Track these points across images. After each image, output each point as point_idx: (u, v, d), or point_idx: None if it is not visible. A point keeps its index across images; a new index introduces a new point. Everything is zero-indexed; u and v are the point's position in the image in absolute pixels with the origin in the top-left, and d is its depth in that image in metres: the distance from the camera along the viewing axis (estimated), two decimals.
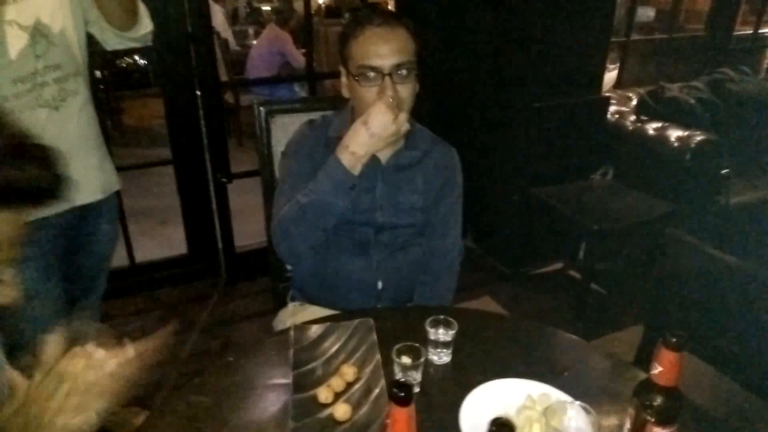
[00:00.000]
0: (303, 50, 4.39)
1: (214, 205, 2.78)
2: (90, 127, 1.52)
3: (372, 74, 1.30)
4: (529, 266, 3.13)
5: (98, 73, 5.12)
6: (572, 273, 3.11)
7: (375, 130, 1.28)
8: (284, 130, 1.71)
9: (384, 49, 1.29)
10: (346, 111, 1.49)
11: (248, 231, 2.90)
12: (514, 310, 2.78)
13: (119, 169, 2.76)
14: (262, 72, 4.81)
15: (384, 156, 1.45)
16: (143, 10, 1.53)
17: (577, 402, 0.86)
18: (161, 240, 3.24)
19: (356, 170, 1.32)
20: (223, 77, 5.16)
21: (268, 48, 4.89)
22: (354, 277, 1.48)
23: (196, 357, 2.42)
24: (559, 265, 3.18)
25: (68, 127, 1.42)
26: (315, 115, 1.76)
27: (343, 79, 1.41)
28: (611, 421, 1.01)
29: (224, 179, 2.67)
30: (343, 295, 1.50)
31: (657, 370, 0.83)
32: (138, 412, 2.02)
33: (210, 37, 2.58)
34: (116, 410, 1.96)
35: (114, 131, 5.63)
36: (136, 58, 6.34)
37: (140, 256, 2.85)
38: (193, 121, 2.60)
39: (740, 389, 1.46)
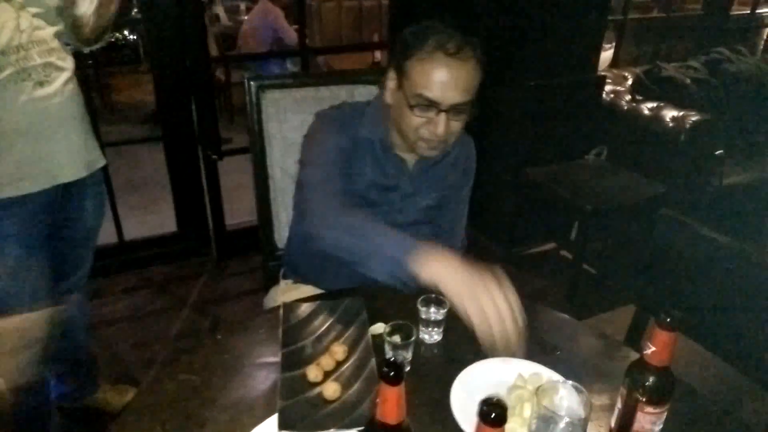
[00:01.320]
0: (296, 26, 4.32)
1: (204, 183, 2.74)
2: (74, 104, 1.48)
3: (427, 105, 1.20)
4: (522, 246, 3.13)
5: (87, 49, 5.03)
6: (565, 253, 3.12)
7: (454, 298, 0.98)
8: (275, 105, 1.67)
9: (449, 87, 1.18)
10: (378, 108, 1.36)
11: (239, 209, 2.88)
12: None
13: (108, 144, 2.75)
14: (253, 48, 4.74)
15: (412, 159, 1.39)
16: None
17: (569, 381, 0.85)
18: (151, 217, 3.21)
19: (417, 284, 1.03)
20: (214, 53, 5.09)
21: (260, 23, 4.80)
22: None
23: (186, 335, 2.41)
24: (551, 246, 3.18)
25: (52, 103, 1.39)
26: (308, 92, 1.74)
27: (391, 83, 1.27)
28: (603, 400, 1.01)
29: (214, 156, 2.63)
30: (340, 279, 1.48)
31: (650, 350, 0.82)
32: (126, 390, 2.02)
33: (200, 11, 2.52)
34: (105, 388, 1.97)
35: (104, 108, 5.56)
36: (126, 33, 6.22)
37: (130, 234, 2.83)
38: (182, 97, 2.55)
39: (730, 368, 1.46)
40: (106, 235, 2.74)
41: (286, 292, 1.58)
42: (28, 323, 0.86)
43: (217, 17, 5.74)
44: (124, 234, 2.78)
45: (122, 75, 6.31)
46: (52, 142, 1.41)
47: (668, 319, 0.79)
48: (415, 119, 1.23)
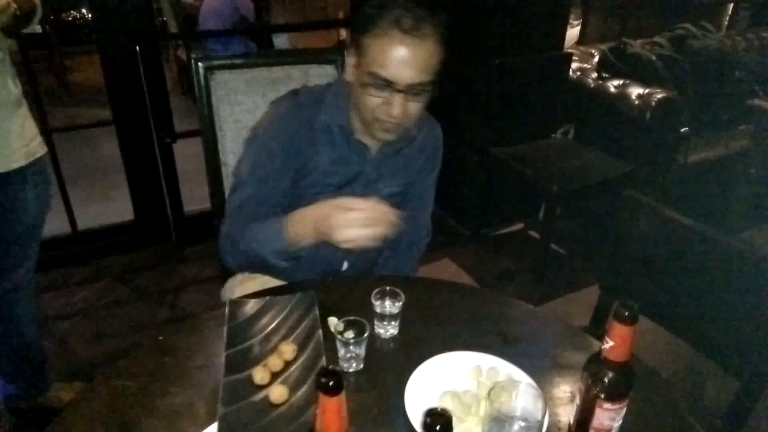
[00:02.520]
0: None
1: (160, 168, 2.63)
2: (8, 90, 1.39)
3: (383, 85, 1.13)
4: (490, 227, 3.11)
5: (39, 28, 4.79)
6: (533, 233, 3.10)
7: (324, 237, 1.12)
8: (225, 87, 1.59)
9: (404, 66, 1.11)
10: (340, 91, 1.28)
11: (198, 194, 2.78)
12: (474, 272, 2.76)
13: (56, 130, 2.62)
14: (214, 26, 4.56)
15: (375, 146, 1.32)
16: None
17: (525, 380, 0.81)
18: (107, 205, 3.09)
19: (304, 249, 1.19)
20: (174, 31, 4.91)
21: (222, 1, 4.62)
22: (319, 258, 1.35)
23: (143, 327, 2.32)
24: (520, 226, 3.16)
25: None
26: (260, 72, 1.65)
27: (351, 61, 1.20)
28: (563, 393, 0.98)
29: (168, 139, 2.52)
30: (303, 275, 1.40)
31: (608, 345, 0.78)
32: (80, 387, 1.94)
33: None
34: (58, 386, 1.89)
35: (60, 89, 5.34)
36: (84, 11, 5.95)
37: (85, 223, 2.71)
38: (132, 78, 2.43)
39: (691, 350, 1.45)
40: (60, 225, 2.64)
41: (243, 282, 1.51)
42: None
43: None
44: (78, 224, 2.66)
45: (79, 55, 6.06)
46: None
47: (626, 312, 0.75)
48: (371, 99, 1.16)
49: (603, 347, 0.79)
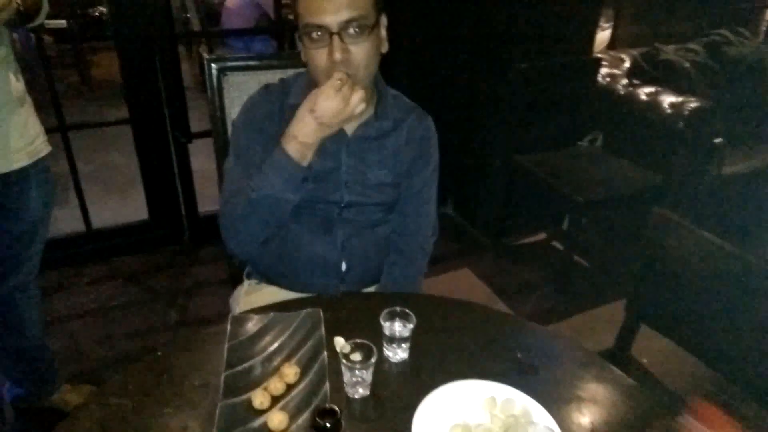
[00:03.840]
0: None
1: (175, 167, 2.60)
2: (10, 87, 1.35)
3: (318, 34, 1.10)
4: (512, 236, 3.02)
5: (63, 23, 4.83)
6: (556, 244, 3.00)
7: (324, 119, 1.11)
8: (238, 89, 1.54)
9: (330, 4, 1.08)
10: (305, 73, 1.28)
11: (213, 194, 2.74)
12: (494, 282, 2.68)
13: (75, 128, 2.61)
14: (237, 24, 4.54)
15: (350, 128, 1.28)
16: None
17: (543, 423, 0.74)
18: (123, 204, 3.08)
19: (306, 160, 1.16)
20: (196, 29, 4.91)
21: None
22: (316, 257, 1.33)
23: (153, 330, 2.29)
24: (542, 236, 3.07)
25: None
26: (274, 75, 1.60)
27: (297, 34, 1.21)
28: (583, 428, 0.90)
29: (183, 139, 2.49)
30: (304, 276, 1.36)
31: None
32: (87, 390, 1.91)
33: None
34: (65, 388, 1.86)
35: (83, 85, 5.37)
36: None
37: (99, 222, 2.70)
38: (150, 77, 2.40)
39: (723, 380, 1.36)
40: (75, 223, 2.63)
41: (250, 293, 1.48)
42: None
43: None
44: (92, 222, 2.65)
45: (103, 51, 6.10)
46: None
47: None
48: (315, 55, 1.12)
49: None
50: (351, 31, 1.10)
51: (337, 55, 1.09)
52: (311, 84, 1.20)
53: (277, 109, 1.27)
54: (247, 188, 1.19)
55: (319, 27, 1.09)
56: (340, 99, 1.09)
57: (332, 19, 1.08)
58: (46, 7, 1.39)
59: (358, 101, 1.11)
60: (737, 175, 2.76)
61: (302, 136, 1.14)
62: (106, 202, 3.11)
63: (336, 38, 1.09)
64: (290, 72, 1.60)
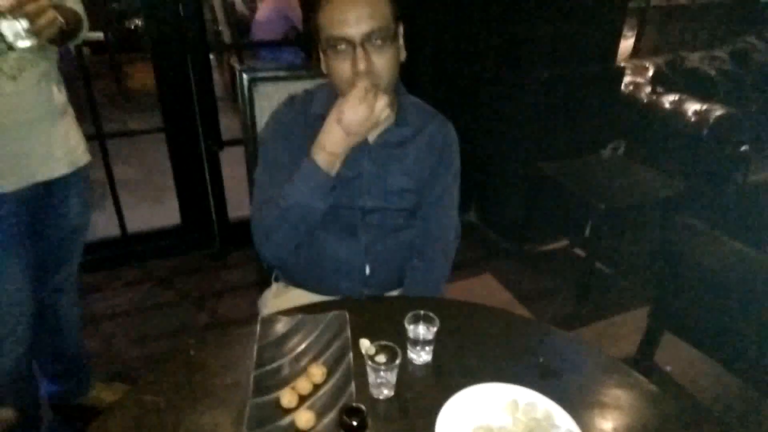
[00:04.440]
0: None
1: (207, 174, 2.67)
2: (53, 99, 1.41)
3: (342, 46, 1.15)
4: (534, 243, 3.02)
5: (100, 35, 4.98)
6: (578, 251, 3.00)
7: (351, 128, 1.15)
8: (268, 99, 1.60)
9: (352, 16, 1.12)
10: (328, 84, 1.32)
11: (244, 200, 2.81)
12: (516, 288, 2.69)
13: (112, 136, 2.70)
14: (267, 36, 4.62)
15: (372, 135, 1.31)
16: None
17: (564, 428, 0.76)
18: (156, 209, 3.17)
19: (335, 170, 1.21)
20: (228, 41, 5.01)
21: (273, 11, 4.69)
22: (340, 261, 1.37)
23: (185, 331, 2.36)
24: (564, 243, 3.07)
25: (27, 98, 1.32)
26: (303, 85, 1.65)
27: (320, 50, 1.24)
28: None
29: (215, 147, 2.56)
30: (329, 280, 1.40)
31: None
32: (120, 389, 1.98)
33: None
34: (99, 387, 1.93)
35: (119, 95, 5.53)
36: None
37: (134, 226, 2.79)
38: (184, 87, 2.48)
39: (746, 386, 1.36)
40: (111, 227, 2.72)
41: (278, 296, 1.52)
42: None
43: (232, 4, 5.64)
44: (127, 226, 2.74)
45: (139, 62, 6.26)
46: (27, 140, 1.34)
47: None
48: (339, 67, 1.17)
49: None
50: (374, 41, 1.14)
51: (362, 66, 1.14)
52: (333, 94, 1.25)
53: (302, 118, 1.32)
54: (278, 197, 1.23)
55: (343, 39, 1.14)
56: (366, 107, 1.14)
57: (355, 30, 1.13)
58: (86, 26, 1.46)
59: (383, 107, 1.16)
60: (764, 183, 2.73)
61: (330, 146, 1.18)
62: (141, 207, 3.21)
63: (359, 49, 1.14)
64: (318, 82, 1.67)
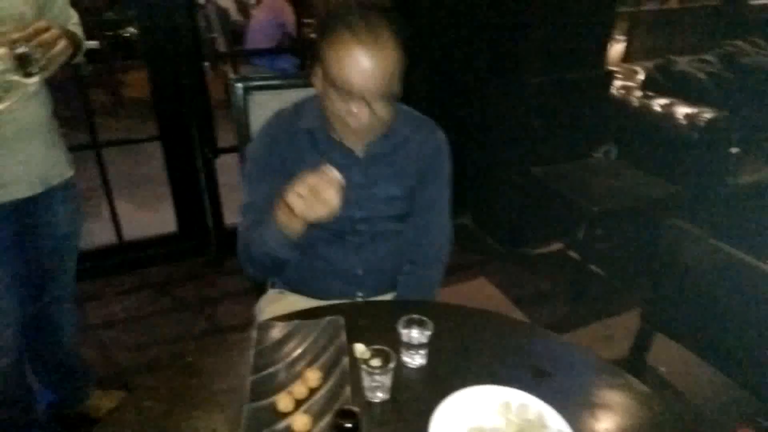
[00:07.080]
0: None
1: (203, 182, 2.69)
2: (35, 118, 1.41)
3: (348, 95, 1.13)
4: (528, 246, 3.05)
5: (94, 43, 4.99)
6: (572, 253, 3.03)
7: (308, 219, 1.11)
8: (262, 107, 1.61)
9: (364, 76, 1.10)
10: (316, 97, 1.31)
11: (239, 206, 2.83)
12: (510, 291, 2.71)
13: (107, 144, 2.72)
14: (261, 44, 4.64)
15: (360, 149, 1.32)
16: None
17: (556, 429, 0.78)
18: (153, 217, 3.18)
19: (297, 234, 1.19)
20: (222, 48, 5.03)
21: (267, 19, 4.71)
22: (333, 264, 1.39)
23: (182, 338, 2.37)
24: (558, 246, 3.09)
25: (7, 118, 1.31)
26: (297, 93, 1.67)
27: (317, 70, 1.21)
28: None
29: (210, 155, 2.58)
30: (323, 283, 1.42)
31: None
32: (118, 396, 1.98)
33: (190, 4, 2.45)
34: (97, 394, 1.93)
35: (115, 104, 5.53)
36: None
37: (131, 234, 2.80)
38: (178, 94, 2.50)
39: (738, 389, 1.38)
40: (107, 235, 2.73)
41: (273, 301, 1.53)
42: None
43: (226, 12, 5.66)
44: (123, 234, 2.75)
45: (135, 70, 6.28)
46: (6, 158, 1.34)
47: None
48: (336, 103, 1.16)
49: None
50: (379, 99, 1.14)
51: (364, 119, 1.15)
52: (321, 108, 1.25)
53: (289, 133, 1.32)
54: (251, 240, 1.28)
55: (350, 91, 1.12)
56: (321, 206, 1.07)
57: (365, 88, 1.12)
58: (84, 47, 1.47)
59: (334, 197, 1.08)
60: (754, 185, 2.76)
61: (288, 230, 1.17)
62: (137, 215, 3.22)
63: (363, 103, 1.13)
64: (312, 91, 1.69)
